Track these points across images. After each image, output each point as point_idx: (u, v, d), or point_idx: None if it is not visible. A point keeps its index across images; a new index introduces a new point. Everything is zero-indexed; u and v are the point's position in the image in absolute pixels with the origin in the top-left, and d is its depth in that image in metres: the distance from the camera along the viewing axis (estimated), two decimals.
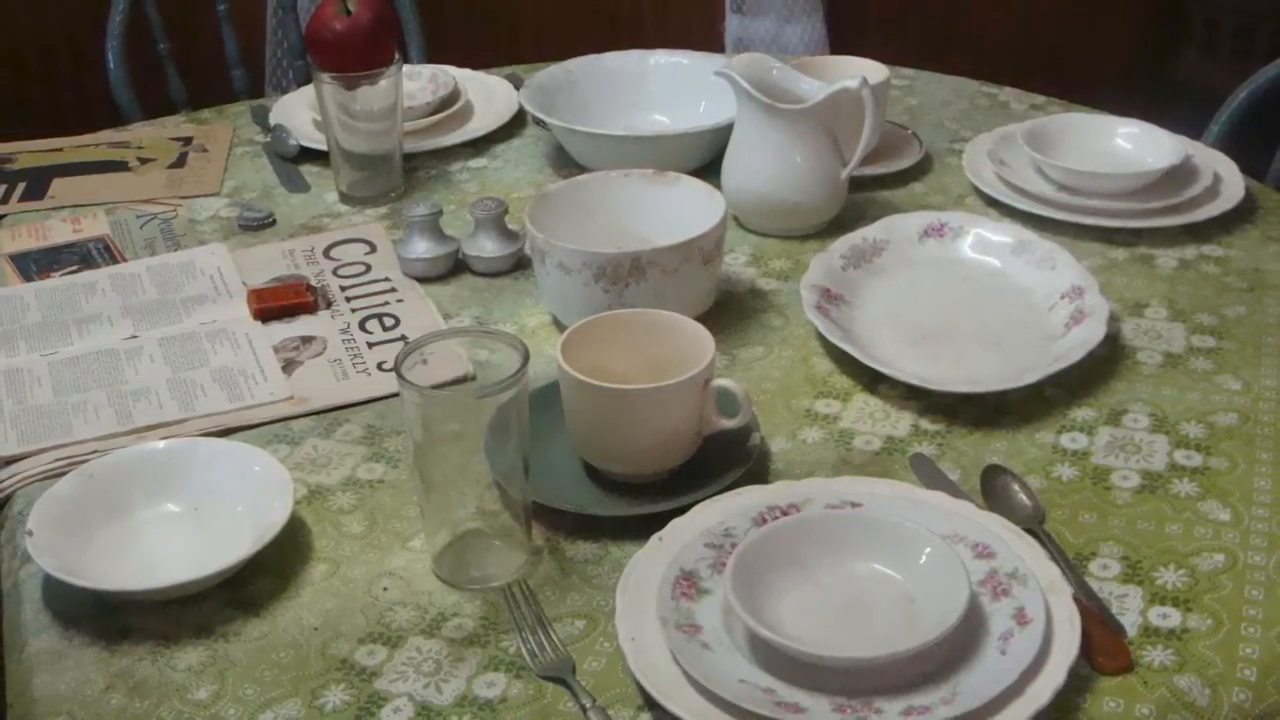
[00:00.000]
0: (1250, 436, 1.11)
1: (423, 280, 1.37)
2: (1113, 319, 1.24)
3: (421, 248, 1.37)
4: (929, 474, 1.08)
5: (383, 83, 1.47)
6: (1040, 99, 1.73)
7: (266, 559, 1.00)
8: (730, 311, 1.30)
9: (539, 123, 1.66)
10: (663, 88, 1.65)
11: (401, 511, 1.06)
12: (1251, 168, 1.52)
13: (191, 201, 1.55)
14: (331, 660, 0.93)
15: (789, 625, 0.91)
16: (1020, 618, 0.90)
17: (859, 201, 1.47)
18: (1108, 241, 1.40)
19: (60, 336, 1.29)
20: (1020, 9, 2.89)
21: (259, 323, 1.31)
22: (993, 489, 1.05)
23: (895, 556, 0.95)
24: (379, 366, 1.24)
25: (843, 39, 2.72)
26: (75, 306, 1.34)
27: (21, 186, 1.59)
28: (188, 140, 1.69)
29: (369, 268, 1.40)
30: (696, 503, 1.02)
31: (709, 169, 1.45)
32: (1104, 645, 0.90)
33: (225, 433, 1.15)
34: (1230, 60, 2.74)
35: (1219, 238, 1.40)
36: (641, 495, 1.05)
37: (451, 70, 1.77)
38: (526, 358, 0.95)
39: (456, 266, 1.39)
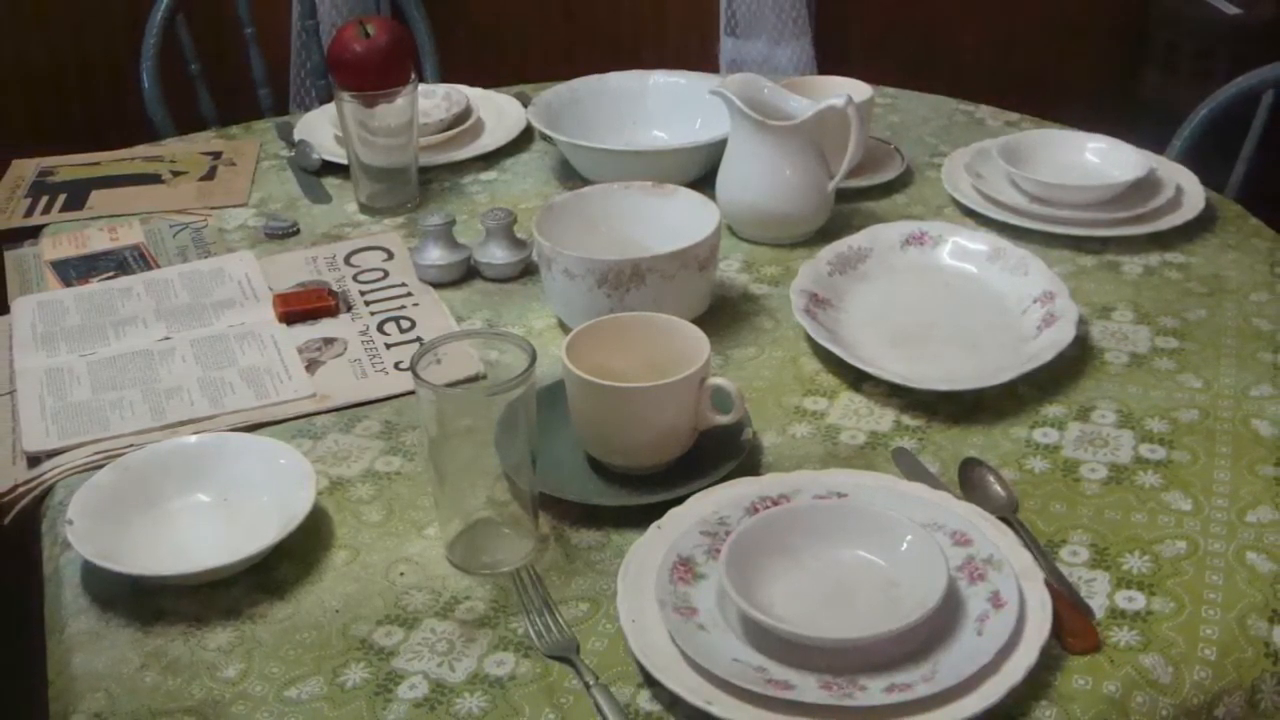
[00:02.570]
0: (1210, 431, 1.11)
1: (437, 285, 1.37)
2: (1082, 322, 1.24)
3: (436, 255, 1.37)
4: (910, 467, 1.08)
5: (400, 101, 1.47)
6: (1014, 116, 1.73)
7: (291, 546, 1.00)
8: (724, 314, 1.30)
9: (546, 138, 1.66)
10: (661, 106, 1.65)
11: (417, 502, 1.06)
12: (1211, 180, 1.52)
13: (221, 212, 1.55)
14: (352, 640, 0.93)
15: (779, 608, 0.91)
16: (995, 601, 0.90)
17: (845, 212, 1.47)
18: (1077, 249, 1.39)
19: (98, 338, 1.29)
20: (996, 33, 2.88)
21: (284, 325, 1.31)
22: (970, 480, 1.05)
23: (878, 544, 0.95)
24: (396, 366, 1.24)
25: (829, 60, 2.72)
26: (112, 310, 1.34)
27: (62, 198, 1.59)
28: (217, 154, 1.69)
29: (387, 274, 1.40)
30: (693, 493, 1.02)
31: (704, 181, 1.44)
32: (1074, 626, 0.90)
33: (252, 428, 1.15)
34: (1191, 80, 2.73)
35: (1181, 246, 1.40)
36: (641, 486, 1.05)
37: (464, 89, 1.76)
38: (534, 358, 0.95)
39: (468, 272, 1.39)
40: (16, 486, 1.11)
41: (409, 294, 1.36)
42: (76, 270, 1.43)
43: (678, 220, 1.28)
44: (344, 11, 2.46)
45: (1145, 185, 1.45)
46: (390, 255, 1.43)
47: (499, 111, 1.74)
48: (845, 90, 1.45)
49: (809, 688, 0.85)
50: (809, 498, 0.99)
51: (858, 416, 1.14)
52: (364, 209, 1.53)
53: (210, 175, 1.63)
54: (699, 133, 1.55)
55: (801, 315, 1.23)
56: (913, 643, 0.88)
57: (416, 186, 1.54)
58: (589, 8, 2.75)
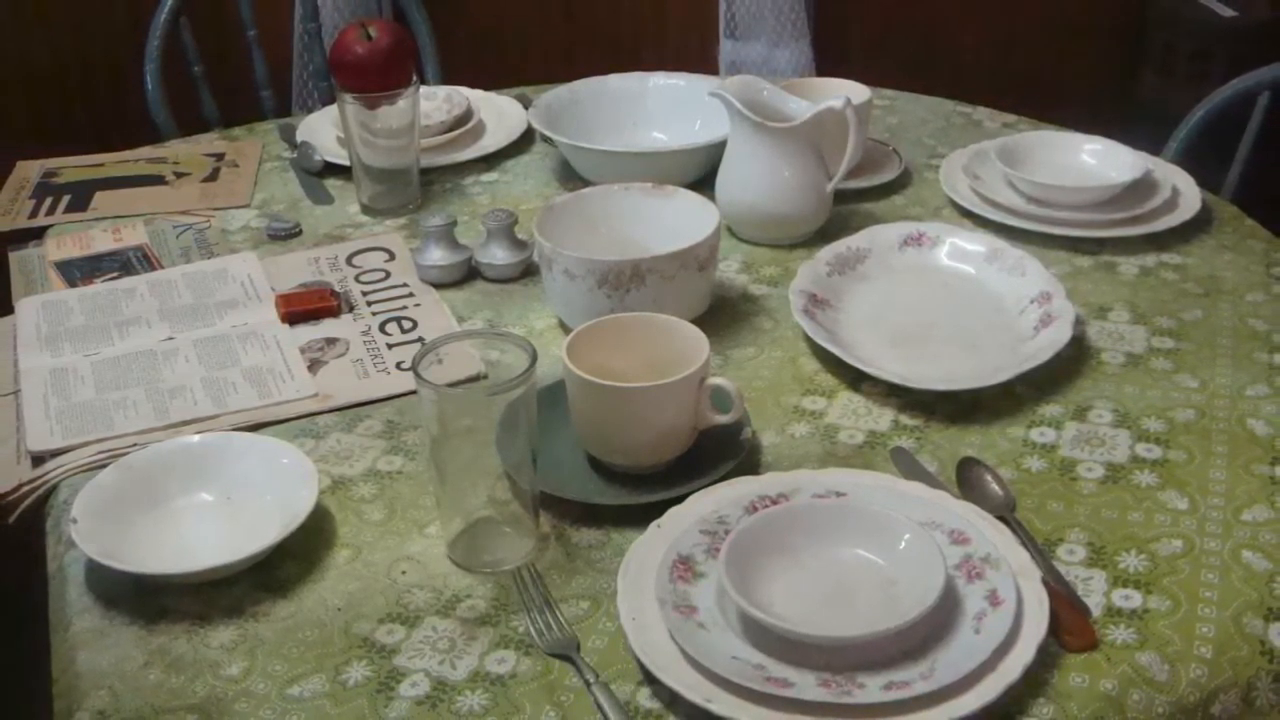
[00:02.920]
0: (1206, 431, 1.11)
1: (438, 286, 1.37)
2: (1078, 322, 1.24)
3: (437, 255, 1.37)
4: (908, 466, 1.08)
5: (401, 102, 1.47)
6: (1011, 118, 1.73)
7: (293, 545, 1.00)
8: (724, 315, 1.30)
9: (546, 140, 1.66)
10: (661, 107, 1.65)
11: (418, 501, 1.06)
12: (1208, 181, 1.52)
13: (223, 213, 1.55)
14: (354, 638, 0.93)
15: (778, 606, 0.91)
16: (993, 599, 0.90)
17: (843, 213, 1.47)
18: (1074, 250, 1.40)
19: (102, 338, 1.29)
20: (994, 34, 2.89)
21: (286, 325, 1.31)
22: (967, 480, 1.05)
23: (877, 542, 0.95)
24: (398, 366, 1.24)
25: (828, 62, 2.72)
26: (116, 310, 1.34)
27: (66, 199, 1.59)
28: (220, 156, 1.69)
29: (388, 274, 1.40)
30: (692, 493, 1.02)
31: (704, 183, 1.44)
32: (1071, 625, 0.90)
33: (255, 428, 1.15)
34: (1187, 82, 2.73)
35: (1177, 246, 1.40)
36: (641, 485, 1.05)
37: (465, 91, 1.77)
38: (534, 358, 0.95)
39: (470, 273, 1.39)
40: (21, 485, 1.11)
41: (410, 294, 1.36)
42: (80, 271, 1.43)
43: (677, 221, 1.28)
44: (346, 14, 2.46)
45: (1142, 186, 1.45)
46: (392, 256, 1.43)
47: (500, 113, 1.74)
48: (844, 92, 1.45)
49: (808, 685, 0.85)
50: (808, 497, 1.00)
51: (856, 416, 1.15)
52: (366, 210, 1.54)
53: (213, 176, 1.64)
54: (698, 134, 1.56)
55: (800, 315, 1.23)
56: (911, 641, 0.88)
57: (418, 188, 1.55)
58: (589, 9, 2.75)
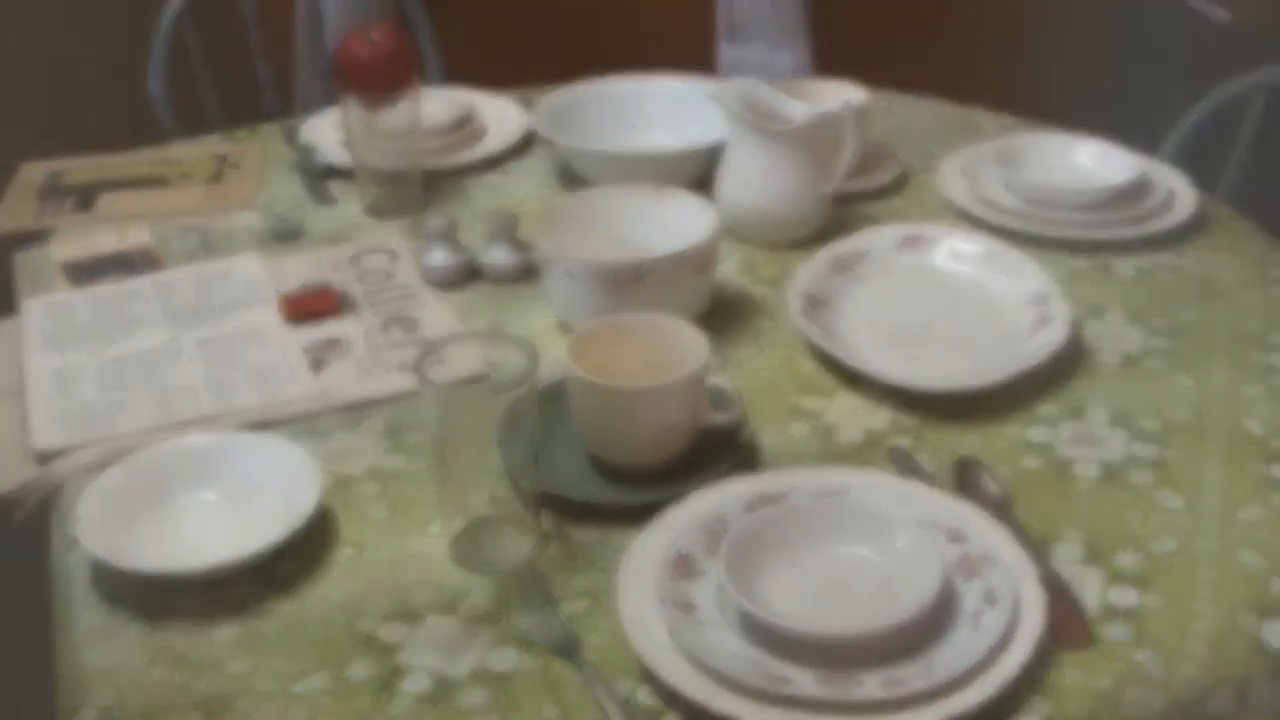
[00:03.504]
0: (1202, 430, 1.11)
1: (441, 287, 1.37)
2: (1075, 323, 1.24)
3: (439, 257, 1.37)
4: (906, 465, 1.08)
5: (404, 105, 1.47)
6: (1008, 120, 1.72)
7: (296, 543, 1.00)
8: (723, 315, 1.30)
9: (547, 142, 1.66)
10: (661, 110, 1.65)
11: (421, 499, 1.06)
12: (1203, 183, 1.52)
13: (227, 214, 1.55)
14: (356, 636, 0.93)
15: (777, 604, 0.91)
16: (990, 597, 0.90)
17: (841, 215, 1.47)
18: (1070, 251, 1.39)
19: (106, 338, 1.29)
20: (991, 36, 2.88)
21: (290, 326, 1.31)
22: (964, 479, 1.05)
23: (875, 541, 0.95)
24: (400, 366, 1.24)
25: (827, 65, 2.71)
26: (120, 311, 1.34)
27: (72, 201, 1.59)
28: (224, 158, 1.69)
29: (391, 275, 1.40)
30: (692, 491, 1.02)
31: (704, 184, 1.44)
32: (1067, 622, 0.90)
33: (258, 427, 1.15)
34: (1183, 84, 2.73)
35: (1173, 247, 1.40)
36: (641, 484, 1.05)
37: (467, 94, 1.77)
38: (536, 358, 0.96)
39: (472, 274, 1.39)
40: (26, 485, 1.11)
41: (413, 295, 1.36)
42: (85, 272, 1.43)
43: (677, 223, 1.28)
44: (349, 17, 2.46)
45: (1137, 188, 1.45)
46: (394, 257, 1.43)
47: (501, 115, 1.74)
48: (842, 95, 1.45)
49: (806, 682, 0.85)
50: (806, 496, 1.00)
51: (854, 416, 1.15)
52: (368, 211, 1.53)
53: (217, 178, 1.63)
54: (698, 136, 1.55)
55: (799, 316, 1.23)
56: (908, 638, 0.88)
57: (420, 189, 1.55)
58: (589, 11, 2.75)
